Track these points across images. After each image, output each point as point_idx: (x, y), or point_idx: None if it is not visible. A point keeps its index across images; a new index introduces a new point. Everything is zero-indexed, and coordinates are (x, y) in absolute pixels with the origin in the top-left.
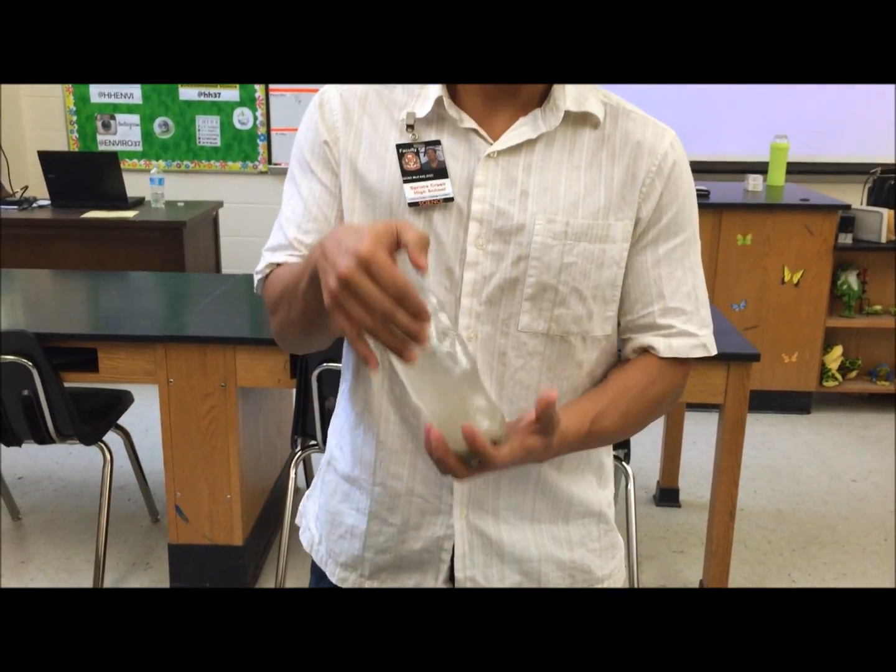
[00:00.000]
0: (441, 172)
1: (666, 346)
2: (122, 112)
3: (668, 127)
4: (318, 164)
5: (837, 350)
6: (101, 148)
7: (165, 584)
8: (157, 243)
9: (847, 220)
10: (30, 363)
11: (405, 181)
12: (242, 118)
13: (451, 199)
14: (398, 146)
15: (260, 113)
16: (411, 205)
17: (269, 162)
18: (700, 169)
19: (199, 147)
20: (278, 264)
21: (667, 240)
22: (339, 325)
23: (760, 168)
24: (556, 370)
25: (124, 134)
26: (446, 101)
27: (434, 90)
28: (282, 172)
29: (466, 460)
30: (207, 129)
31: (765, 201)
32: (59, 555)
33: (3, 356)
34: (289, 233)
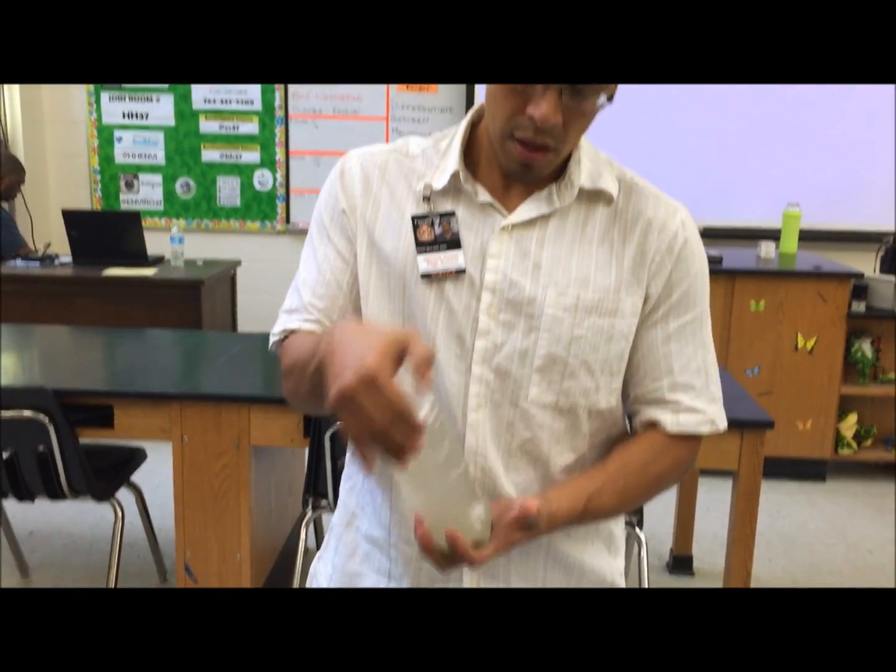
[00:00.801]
0: (454, 244)
1: (673, 422)
2: (146, 172)
3: (679, 205)
4: (336, 231)
5: (852, 417)
6: (124, 206)
7: None
8: (176, 301)
9: (860, 288)
10: (47, 419)
11: (419, 252)
12: (262, 179)
13: (463, 271)
14: (413, 217)
15: (280, 174)
16: (424, 276)
17: (287, 222)
18: (713, 235)
19: (220, 207)
20: (293, 330)
21: (678, 316)
22: (341, 425)
23: (773, 235)
24: (563, 443)
25: (147, 193)
26: (462, 175)
27: (452, 163)
28: (299, 232)
29: (450, 557)
30: (228, 190)
31: (778, 268)
32: None
33: (21, 412)
34: (304, 296)
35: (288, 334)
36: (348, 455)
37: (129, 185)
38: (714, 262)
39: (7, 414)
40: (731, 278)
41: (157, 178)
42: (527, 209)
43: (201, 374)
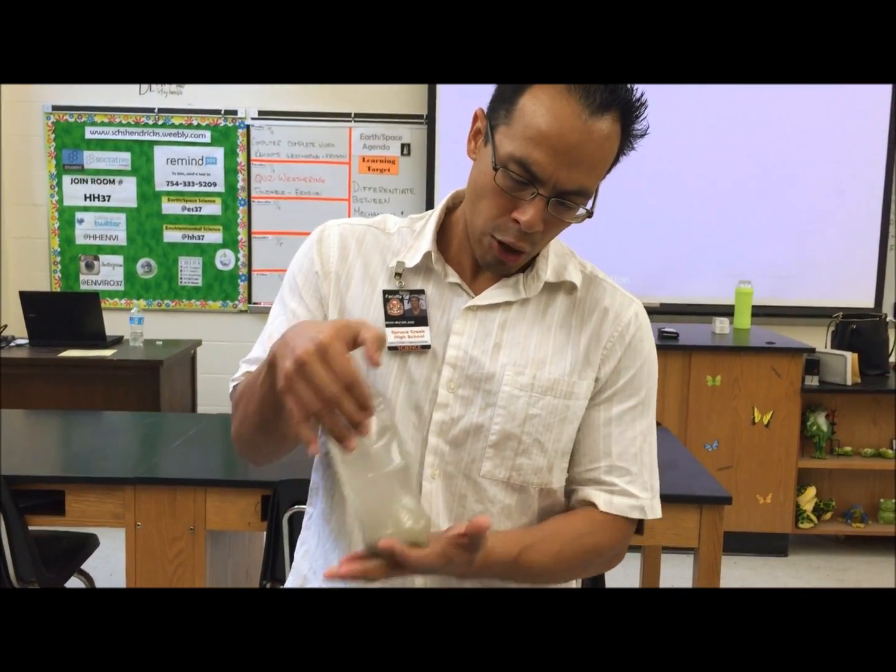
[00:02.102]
0: (422, 320)
1: (606, 503)
2: (107, 253)
3: (635, 298)
4: (308, 291)
5: (811, 491)
6: (84, 287)
7: None
8: (134, 382)
9: (812, 363)
10: None
11: (387, 325)
12: (224, 259)
13: (428, 347)
14: (384, 292)
15: (242, 254)
16: (390, 348)
17: (249, 301)
18: (669, 311)
19: (181, 287)
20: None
21: (621, 401)
22: (288, 406)
23: (726, 311)
24: (514, 519)
25: (107, 274)
26: (434, 256)
27: (426, 243)
28: (261, 311)
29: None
30: (189, 270)
31: (732, 344)
32: None
33: None
34: (271, 347)
35: None
36: (305, 520)
37: (90, 267)
38: (671, 338)
39: None
40: (688, 354)
41: (118, 259)
42: (492, 294)
43: (157, 457)
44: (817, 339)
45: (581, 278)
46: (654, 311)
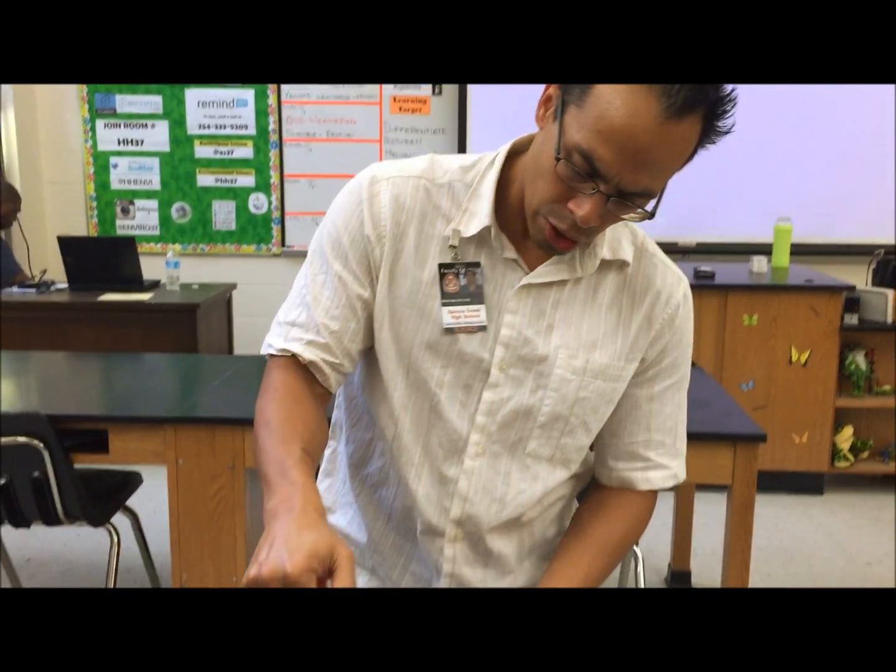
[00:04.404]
0: (477, 298)
1: (644, 480)
2: (141, 198)
3: (682, 275)
4: (356, 256)
5: (848, 430)
6: (120, 232)
7: None
8: (171, 325)
9: (852, 301)
10: (42, 445)
11: (444, 304)
12: (257, 203)
13: (485, 328)
14: (440, 266)
15: (275, 198)
16: (447, 330)
17: (283, 245)
18: (705, 251)
19: (215, 231)
20: (293, 354)
21: (663, 379)
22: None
23: (765, 250)
24: (551, 494)
25: (142, 219)
26: (494, 231)
27: (483, 215)
28: (295, 255)
29: None
30: (223, 214)
31: (770, 282)
32: None
33: (16, 438)
34: (316, 315)
35: (287, 357)
36: (326, 452)
37: (126, 211)
38: (707, 278)
39: (2, 440)
40: (724, 293)
41: (153, 204)
42: (548, 271)
43: (196, 398)
44: (858, 277)
45: (633, 252)
46: (691, 251)
